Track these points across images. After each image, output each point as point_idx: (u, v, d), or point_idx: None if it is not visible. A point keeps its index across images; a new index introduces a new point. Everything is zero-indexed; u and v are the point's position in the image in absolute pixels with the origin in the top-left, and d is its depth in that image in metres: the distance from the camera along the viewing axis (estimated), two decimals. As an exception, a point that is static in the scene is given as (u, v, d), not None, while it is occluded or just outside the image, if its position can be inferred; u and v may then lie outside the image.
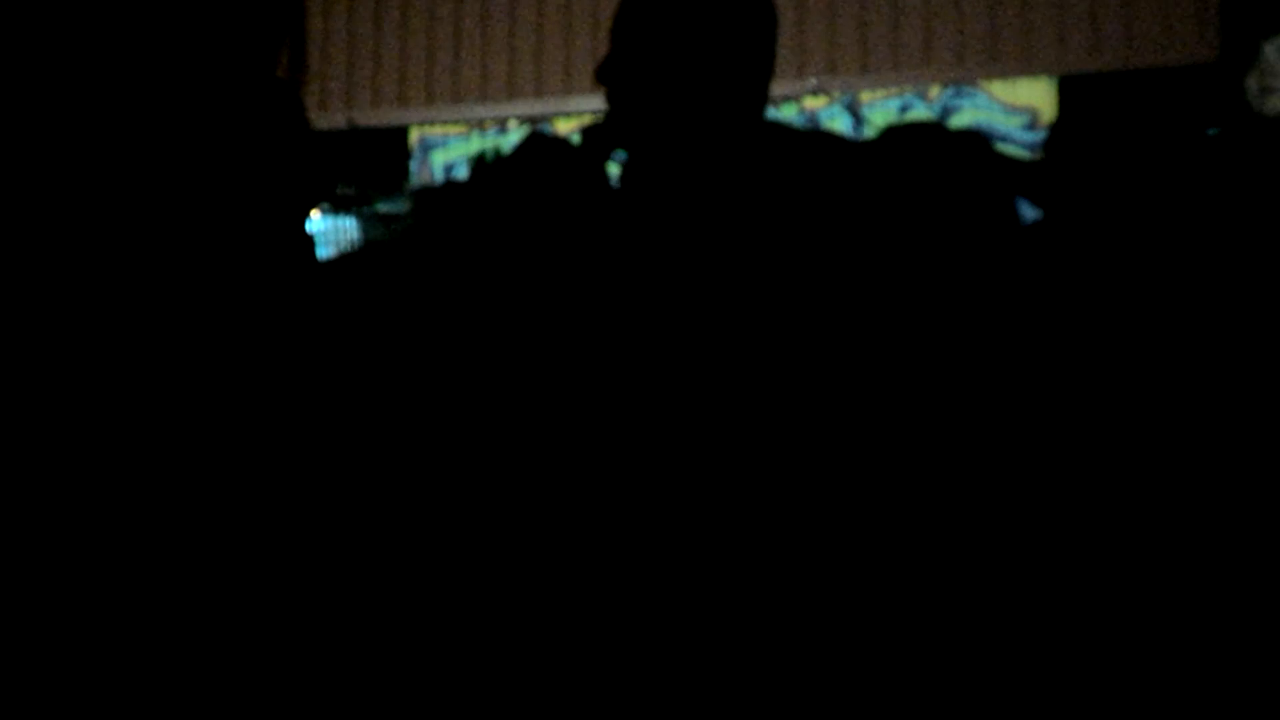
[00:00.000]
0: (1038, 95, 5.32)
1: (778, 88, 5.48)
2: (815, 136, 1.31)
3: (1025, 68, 5.41)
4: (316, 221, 5.74)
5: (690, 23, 1.27)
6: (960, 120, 5.43)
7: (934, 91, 5.49)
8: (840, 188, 1.23)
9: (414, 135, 6.03)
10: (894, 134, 1.37)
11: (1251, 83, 1.72)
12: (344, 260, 1.31)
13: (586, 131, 1.34)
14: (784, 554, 1.12)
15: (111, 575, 0.86)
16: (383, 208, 6.01)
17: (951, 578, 1.17)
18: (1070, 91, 5.24)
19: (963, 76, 5.45)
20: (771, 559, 1.12)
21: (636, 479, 1.12)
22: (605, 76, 1.31)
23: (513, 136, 5.59)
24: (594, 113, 1.40)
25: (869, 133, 5.16)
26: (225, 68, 0.91)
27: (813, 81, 5.00)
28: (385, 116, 6.04)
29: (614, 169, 1.35)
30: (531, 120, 5.51)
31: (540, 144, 1.32)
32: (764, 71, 1.33)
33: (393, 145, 6.03)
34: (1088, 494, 1.23)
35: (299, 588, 0.94)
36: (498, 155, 1.34)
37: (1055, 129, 1.47)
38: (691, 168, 1.27)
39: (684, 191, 1.26)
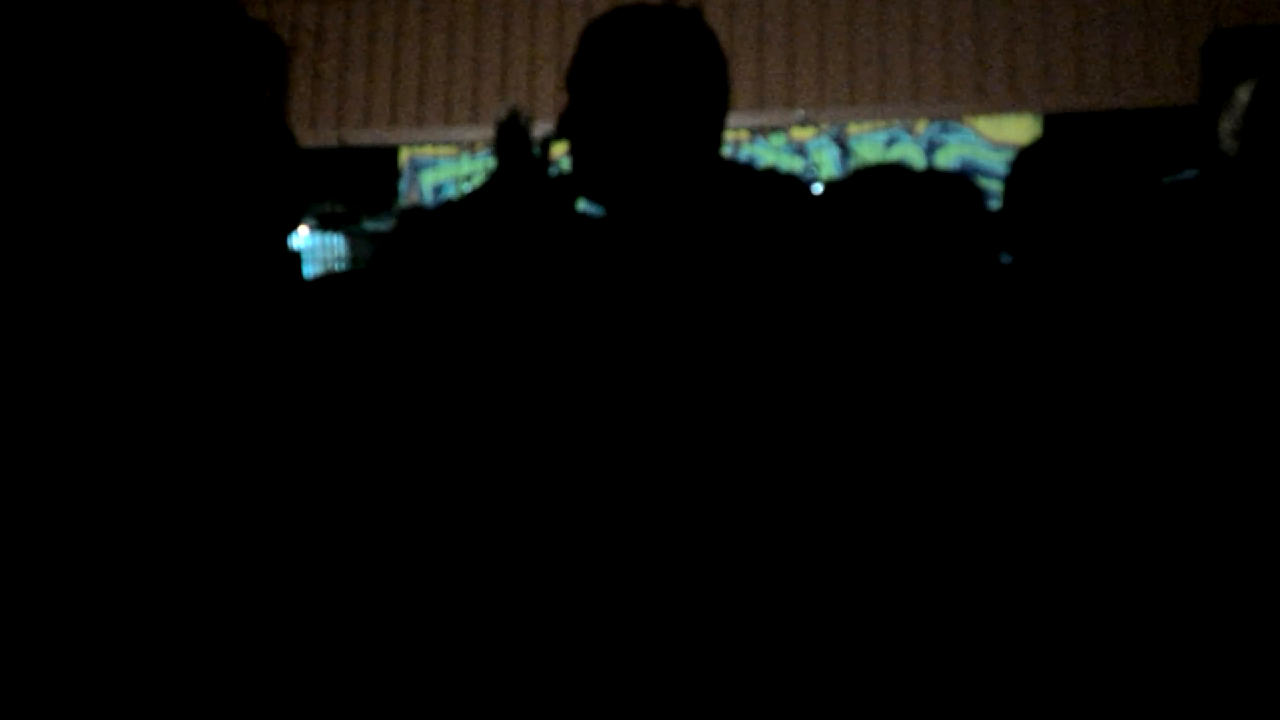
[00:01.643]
0: (1023, 132, 5.38)
1: (767, 118, 5.54)
2: (769, 177, 1.33)
3: (1011, 105, 5.47)
4: (304, 239, 5.74)
5: (640, 74, 1.30)
6: (946, 155, 5.49)
7: (920, 126, 5.55)
8: (789, 230, 1.25)
9: (404, 155, 6.05)
10: (852, 179, 1.40)
11: (1225, 126, 1.74)
12: (326, 278, 1.33)
13: (554, 181, 1.36)
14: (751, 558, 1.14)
15: (110, 577, 0.86)
16: (370, 226, 6.01)
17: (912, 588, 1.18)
18: (1055, 129, 5.30)
19: (949, 112, 5.51)
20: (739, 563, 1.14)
21: (611, 487, 1.14)
22: (565, 129, 1.34)
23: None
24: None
25: (855, 164, 5.21)
26: (211, 100, 0.93)
27: (801, 113, 5.06)
28: (376, 136, 6.06)
29: (583, 207, 1.38)
30: (521, 143, 5.52)
31: (513, 180, 1.34)
32: (717, 115, 1.35)
33: (383, 164, 6.04)
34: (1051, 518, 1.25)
35: (290, 594, 0.95)
36: (472, 189, 1.36)
37: (1021, 167, 1.49)
38: (649, 209, 1.29)
39: (643, 232, 1.27)
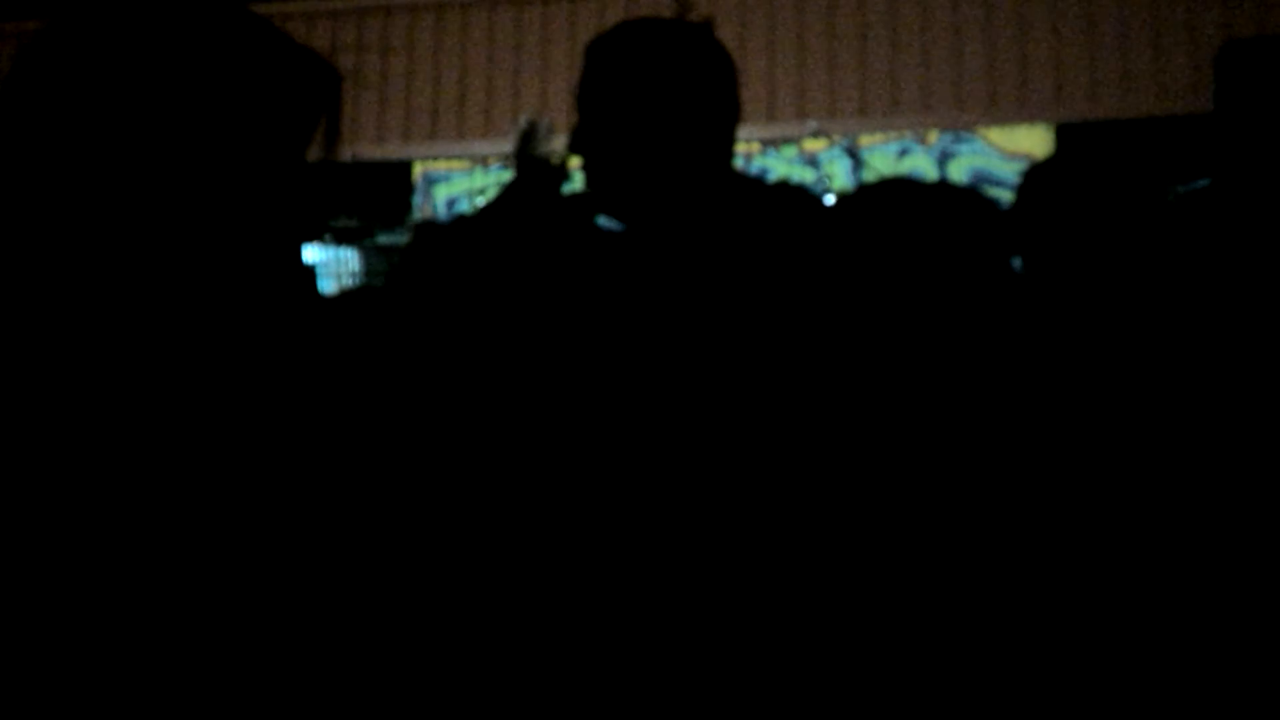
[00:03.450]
0: (1035, 142, 5.38)
1: (779, 130, 5.55)
2: (781, 189, 1.33)
3: (1022, 115, 5.47)
4: (318, 253, 5.78)
5: (648, 88, 1.30)
6: (958, 166, 5.48)
7: (932, 137, 5.55)
8: (802, 242, 1.25)
9: (417, 169, 6.08)
10: (865, 190, 1.40)
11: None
12: (344, 293, 1.34)
13: (569, 200, 1.37)
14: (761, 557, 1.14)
15: (110, 577, 0.87)
16: (384, 240, 6.05)
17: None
18: (1067, 139, 5.30)
19: (961, 122, 5.52)
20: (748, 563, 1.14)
21: (622, 488, 1.15)
22: (577, 145, 1.34)
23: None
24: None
25: (867, 176, 5.22)
26: (248, 123, 0.95)
27: (813, 124, 5.06)
28: (389, 151, 6.09)
29: (601, 222, 1.38)
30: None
31: (528, 194, 1.35)
32: (728, 127, 1.34)
33: (396, 179, 6.07)
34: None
35: (292, 594, 0.95)
36: (487, 202, 1.37)
37: (1033, 177, 1.49)
38: (663, 223, 1.29)
39: (657, 246, 1.28)
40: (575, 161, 1.41)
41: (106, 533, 0.85)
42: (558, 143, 1.52)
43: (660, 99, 1.30)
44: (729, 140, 1.34)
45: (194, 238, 0.92)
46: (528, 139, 1.54)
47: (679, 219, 1.30)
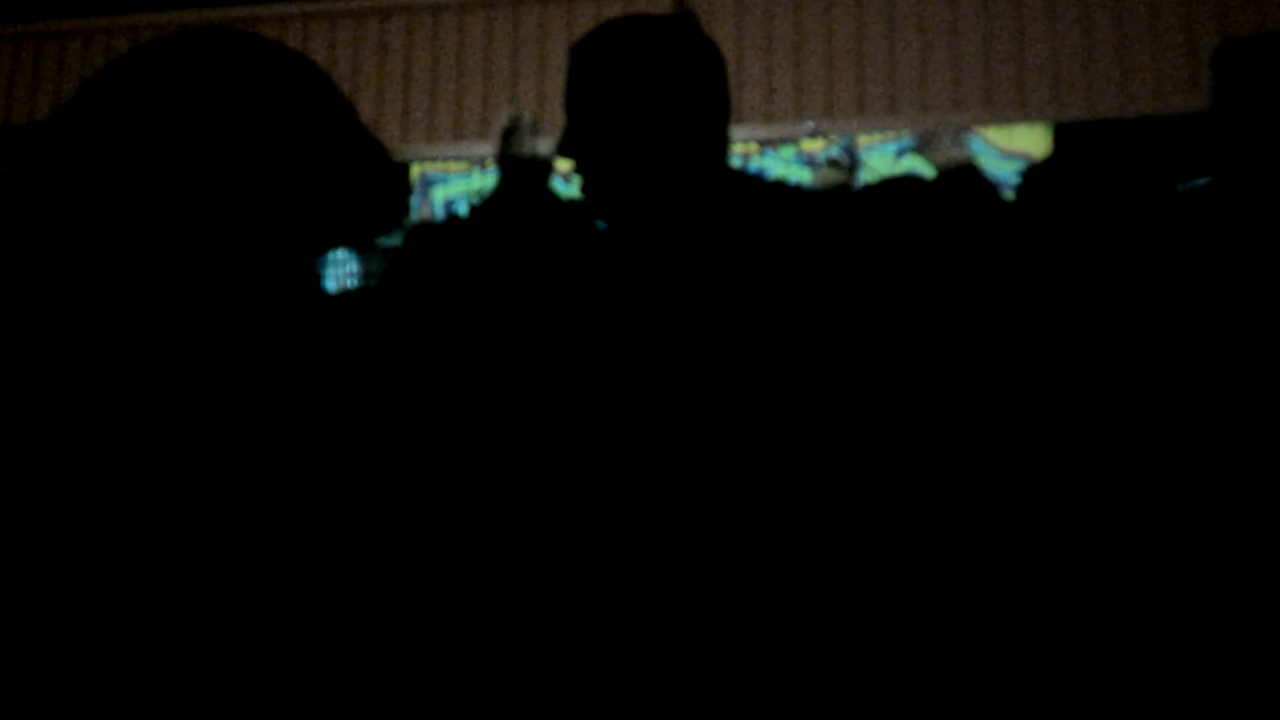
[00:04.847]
0: (1033, 141, 5.38)
1: (776, 130, 5.55)
2: (775, 187, 1.32)
3: (1020, 114, 5.47)
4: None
5: (632, 87, 1.29)
6: (956, 165, 5.47)
7: (930, 136, 5.54)
8: (797, 239, 1.25)
9: (415, 171, 6.08)
10: (864, 190, 1.41)
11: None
12: (343, 294, 1.34)
13: (565, 205, 1.37)
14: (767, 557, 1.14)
15: (110, 576, 0.87)
16: (382, 241, 6.03)
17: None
18: (1065, 138, 5.30)
19: (959, 122, 5.51)
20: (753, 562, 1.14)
21: (623, 486, 1.15)
22: (566, 149, 1.33)
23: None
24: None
25: (866, 176, 5.22)
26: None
27: (810, 124, 5.06)
28: (387, 152, 6.08)
29: (599, 223, 1.38)
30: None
31: (518, 196, 1.35)
32: (717, 120, 1.33)
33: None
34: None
35: (293, 593, 0.95)
36: (480, 204, 1.37)
37: (1033, 176, 1.50)
38: (658, 221, 1.29)
39: (651, 245, 1.28)
40: (566, 165, 1.41)
41: (109, 531, 0.85)
42: (541, 140, 1.52)
43: (644, 96, 1.30)
44: (720, 135, 1.33)
45: (203, 242, 0.92)
46: (509, 137, 1.53)
47: (670, 217, 1.29)
